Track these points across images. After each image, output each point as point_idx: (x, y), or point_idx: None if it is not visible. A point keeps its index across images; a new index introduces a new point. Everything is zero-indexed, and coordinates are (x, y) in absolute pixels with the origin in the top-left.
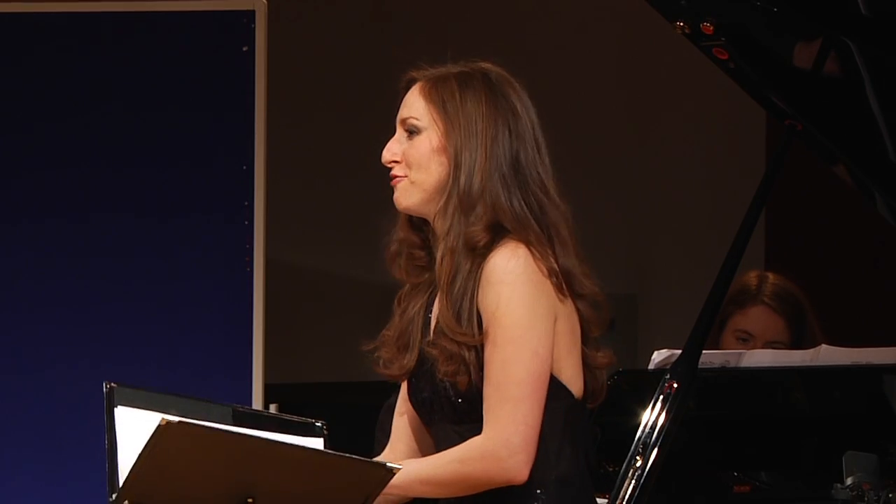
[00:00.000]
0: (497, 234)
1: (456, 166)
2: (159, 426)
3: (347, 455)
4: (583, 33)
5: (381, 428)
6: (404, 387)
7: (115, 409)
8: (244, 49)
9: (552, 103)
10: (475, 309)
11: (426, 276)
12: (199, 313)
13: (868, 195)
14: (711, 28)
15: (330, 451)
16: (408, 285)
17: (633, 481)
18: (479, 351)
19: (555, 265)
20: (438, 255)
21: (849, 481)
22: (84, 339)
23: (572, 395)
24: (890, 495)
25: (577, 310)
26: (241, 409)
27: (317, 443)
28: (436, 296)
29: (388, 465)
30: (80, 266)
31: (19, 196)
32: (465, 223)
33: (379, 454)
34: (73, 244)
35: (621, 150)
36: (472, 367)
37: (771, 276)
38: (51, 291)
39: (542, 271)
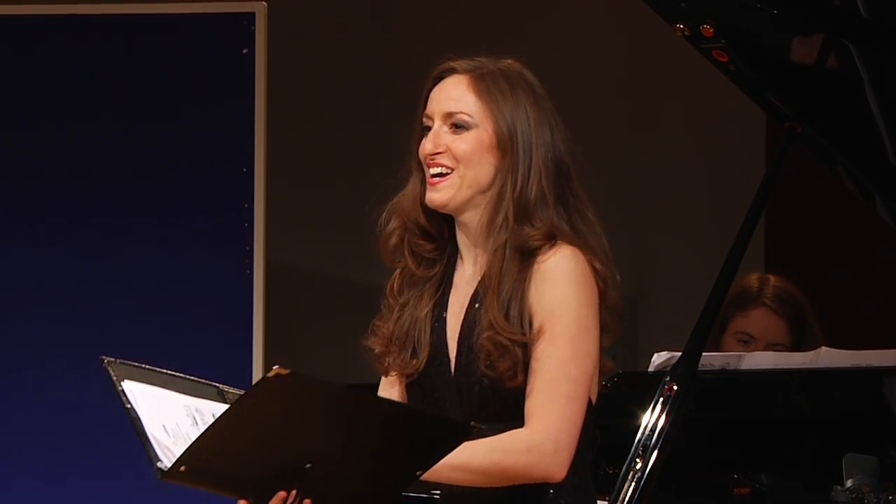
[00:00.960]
0: (552, 240)
1: (512, 166)
2: (268, 379)
3: (433, 412)
4: (583, 35)
5: None
6: (388, 381)
7: (123, 383)
8: (244, 51)
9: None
10: (526, 307)
11: (435, 269)
12: (199, 315)
13: (868, 197)
14: (711, 30)
15: (416, 407)
16: (398, 274)
17: (633, 483)
18: (526, 349)
19: (599, 265)
20: (479, 256)
21: (849, 483)
22: (84, 340)
23: (591, 402)
24: (890, 498)
25: (601, 314)
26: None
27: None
28: (448, 294)
29: (473, 423)
30: (80, 267)
31: (20, 197)
32: (519, 228)
33: None
34: (74, 245)
35: (621, 153)
36: (520, 366)
37: (772, 279)
38: (51, 292)
39: (589, 271)
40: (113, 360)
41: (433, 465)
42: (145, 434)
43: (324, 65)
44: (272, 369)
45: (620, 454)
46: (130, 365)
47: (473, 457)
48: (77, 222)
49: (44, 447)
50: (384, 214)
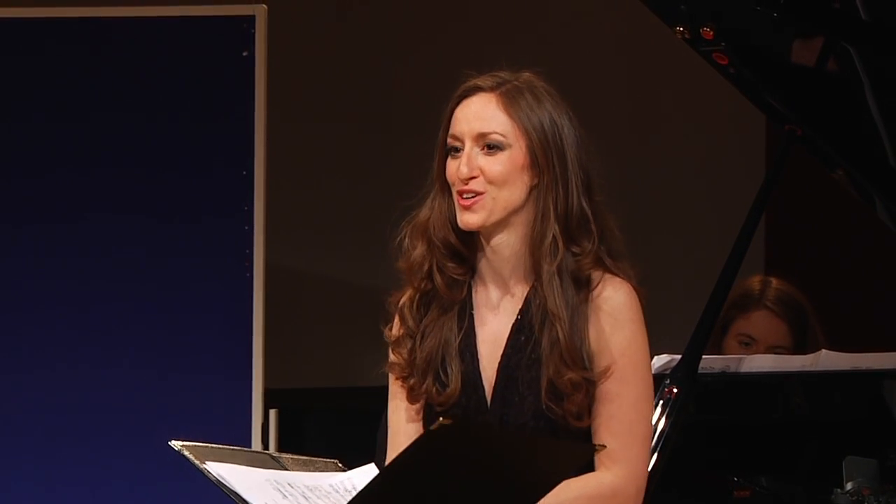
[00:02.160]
0: (600, 265)
1: (549, 187)
2: (432, 429)
3: (570, 441)
4: (583, 37)
5: (384, 433)
6: (403, 392)
7: (207, 465)
8: (244, 54)
9: None
10: (588, 343)
11: (463, 293)
12: (199, 318)
13: (868, 200)
14: (711, 33)
15: (556, 440)
16: (410, 297)
17: None
18: (590, 387)
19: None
20: (545, 282)
21: (849, 486)
22: (84, 343)
23: None
24: (890, 500)
25: None
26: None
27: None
28: (473, 318)
29: (596, 444)
30: (80, 270)
31: (19, 199)
32: (568, 252)
33: (381, 460)
34: (74, 248)
35: (621, 156)
36: (585, 405)
37: (774, 281)
38: (51, 295)
39: (641, 301)
40: (185, 443)
41: (553, 487)
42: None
43: (324, 68)
44: (437, 422)
45: None
46: (198, 445)
47: (557, 500)
48: (78, 224)
49: (44, 449)
50: (405, 231)
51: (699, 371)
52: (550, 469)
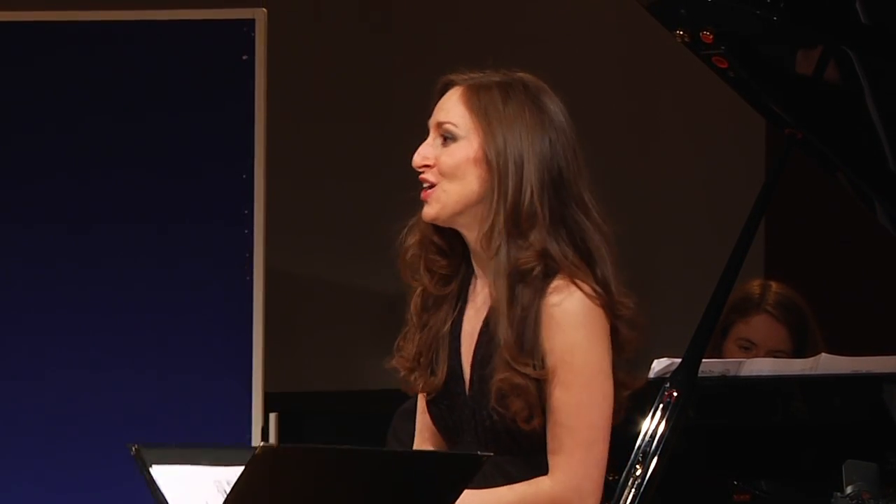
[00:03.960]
0: (547, 262)
1: (500, 180)
2: (255, 454)
3: (437, 451)
4: (583, 40)
5: (395, 435)
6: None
7: (152, 469)
8: (244, 58)
9: None
10: (539, 344)
11: (451, 286)
12: (199, 322)
13: (868, 204)
14: (711, 37)
15: (422, 450)
16: (420, 293)
17: (633, 490)
18: (541, 387)
19: (601, 290)
20: (486, 275)
21: (848, 490)
22: (83, 347)
23: None
24: None
25: (617, 330)
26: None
27: None
28: (463, 312)
29: (479, 453)
30: (79, 274)
31: (19, 204)
32: (515, 247)
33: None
34: (73, 252)
35: (621, 159)
36: (535, 409)
37: (774, 285)
38: (50, 299)
39: (597, 304)
40: (140, 446)
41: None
42: None
43: (324, 71)
44: (258, 445)
45: (620, 461)
46: (158, 447)
47: None
48: (77, 229)
49: (43, 454)
50: (405, 231)
51: (699, 374)
52: (425, 485)
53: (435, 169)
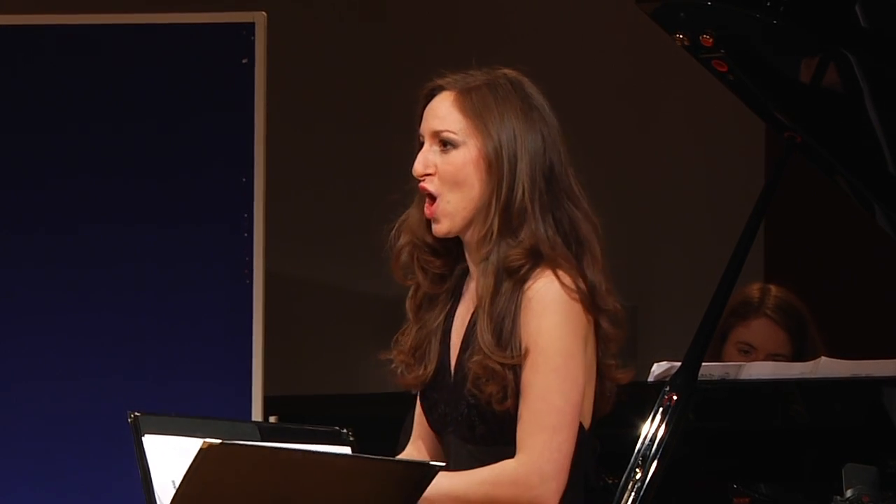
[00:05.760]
0: (535, 258)
1: (498, 181)
2: (201, 449)
3: (390, 458)
4: (583, 41)
5: (406, 433)
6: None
7: (143, 438)
8: (244, 61)
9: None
10: (517, 332)
11: (445, 285)
12: (198, 325)
13: (867, 207)
14: (711, 40)
15: (373, 456)
16: (419, 292)
17: (633, 493)
18: (517, 372)
19: (583, 285)
20: (477, 274)
21: (848, 493)
22: (83, 349)
23: (584, 429)
24: None
25: (599, 325)
26: (266, 425)
27: (344, 450)
28: (456, 307)
29: (431, 462)
30: (79, 276)
31: (19, 205)
32: (505, 245)
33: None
34: (73, 254)
35: (620, 161)
36: (510, 390)
37: (773, 289)
38: (50, 302)
39: (574, 297)
40: (139, 413)
41: None
42: (151, 493)
43: (324, 75)
44: (204, 441)
45: (620, 464)
46: (157, 415)
47: (468, 488)
48: (77, 231)
49: (44, 456)
50: (394, 231)
51: (699, 378)
52: (374, 492)
53: (435, 177)
